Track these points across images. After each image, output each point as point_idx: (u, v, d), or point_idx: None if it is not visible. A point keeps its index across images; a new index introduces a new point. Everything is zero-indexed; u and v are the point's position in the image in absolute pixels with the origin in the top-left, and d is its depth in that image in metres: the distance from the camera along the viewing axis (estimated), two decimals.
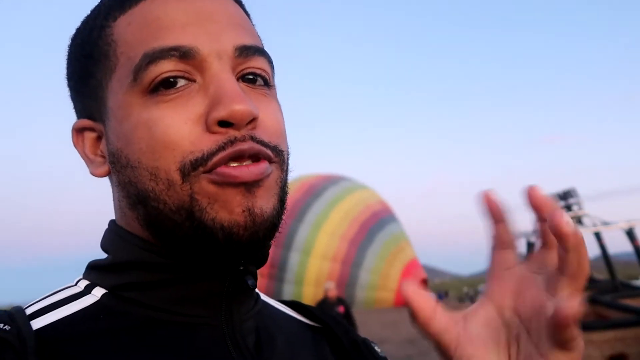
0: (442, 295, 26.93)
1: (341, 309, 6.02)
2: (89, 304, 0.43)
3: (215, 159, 0.39)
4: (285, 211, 0.44)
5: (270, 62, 0.45)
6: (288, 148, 0.45)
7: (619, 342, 5.31)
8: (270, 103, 0.44)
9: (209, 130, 0.40)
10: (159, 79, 0.40)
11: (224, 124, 0.39)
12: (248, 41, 0.43)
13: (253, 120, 0.40)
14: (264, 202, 0.41)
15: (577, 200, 7.04)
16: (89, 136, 0.46)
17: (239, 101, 0.39)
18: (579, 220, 7.01)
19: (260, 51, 0.44)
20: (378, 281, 24.07)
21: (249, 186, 0.40)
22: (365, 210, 25.03)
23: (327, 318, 0.54)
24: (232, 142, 0.39)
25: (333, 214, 24.08)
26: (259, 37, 0.47)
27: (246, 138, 0.40)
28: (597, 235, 7.23)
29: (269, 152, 0.41)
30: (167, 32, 0.41)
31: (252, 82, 0.43)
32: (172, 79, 0.40)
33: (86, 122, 0.46)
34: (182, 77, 0.40)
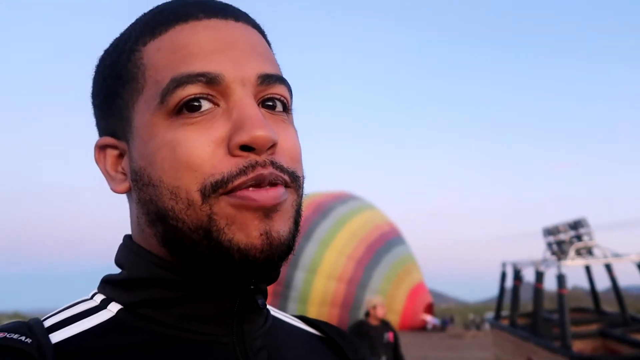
0: (447, 321, 26.50)
1: (390, 336, 4.55)
2: (105, 319, 0.44)
3: (236, 182, 0.40)
4: (299, 233, 0.45)
5: (290, 90, 0.47)
6: (303, 172, 0.47)
7: None
8: (288, 129, 0.46)
9: (230, 153, 0.41)
10: (184, 100, 0.42)
11: (246, 148, 0.41)
12: (270, 70, 0.45)
13: (273, 145, 0.42)
14: (281, 226, 0.42)
15: (587, 230, 6.94)
16: (111, 153, 0.48)
17: (261, 127, 0.41)
18: (589, 251, 6.90)
19: (280, 79, 0.46)
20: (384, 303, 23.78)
21: (267, 210, 0.41)
22: (373, 231, 24.90)
23: (333, 333, 0.55)
24: (253, 166, 0.41)
25: (341, 234, 23.97)
26: (278, 64, 0.49)
27: (267, 163, 0.41)
28: (608, 267, 7.10)
29: (286, 177, 0.43)
30: (195, 59, 0.43)
31: (272, 108, 0.45)
32: (197, 102, 0.42)
33: (109, 140, 0.48)
34: (207, 100, 0.42)
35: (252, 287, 0.45)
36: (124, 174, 0.47)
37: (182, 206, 0.41)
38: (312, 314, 23.25)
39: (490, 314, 19.19)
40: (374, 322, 4.57)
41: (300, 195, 0.45)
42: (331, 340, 0.54)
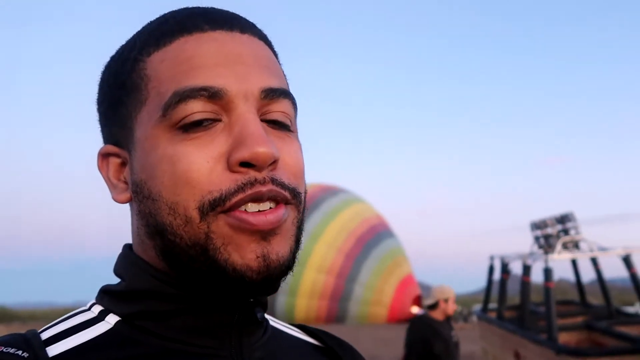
0: None
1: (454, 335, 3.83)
2: (102, 331, 0.44)
3: (234, 199, 0.40)
4: (299, 249, 0.45)
5: (294, 104, 0.47)
6: (305, 187, 0.46)
7: None
8: (292, 143, 0.45)
9: (230, 169, 0.41)
10: (187, 120, 0.42)
11: (246, 164, 0.41)
12: (274, 83, 0.44)
13: (274, 162, 0.42)
14: (281, 247, 0.42)
15: (574, 224, 7.02)
16: (114, 162, 0.48)
17: (262, 143, 0.40)
18: (575, 245, 6.98)
19: (285, 93, 0.45)
20: (372, 296, 23.96)
21: (265, 234, 0.41)
22: (363, 224, 25.02)
23: (332, 342, 0.54)
24: (252, 183, 0.40)
25: (330, 226, 24.07)
26: (285, 76, 0.49)
27: (266, 180, 0.41)
28: (594, 261, 7.20)
29: (287, 194, 0.42)
30: (198, 72, 0.42)
31: (275, 122, 0.45)
32: (199, 117, 0.42)
33: (112, 148, 0.47)
34: (209, 119, 0.42)
35: (251, 299, 0.45)
36: (126, 183, 0.47)
37: (180, 222, 0.41)
38: (301, 306, 23.38)
39: (477, 306, 19.39)
40: (439, 317, 3.76)
41: (301, 211, 0.45)
42: (330, 349, 0.54)
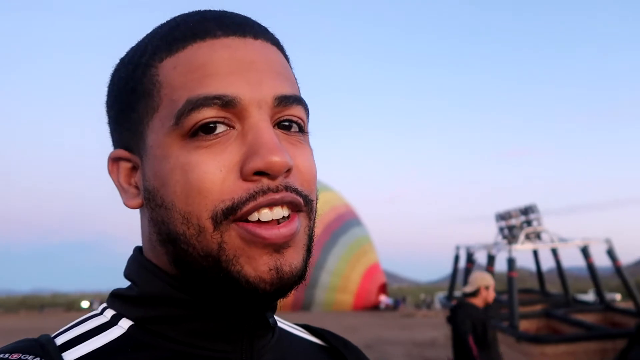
0: (400, 300, 27.22)
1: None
2: (116, 336, 0.44)
3: (246, 208, 0.40)
4: (311, 256, 0.45)
5: (307, 109, 0.46)
6: (317, 194, 0.46)
7: (571, 356, 5.51)
8: (304, 150, 0.45)
9: (243, 178, 0.41)
10: (199, 124, 0.41)
11: (260, 173, 0.40)
12: (287, 91, 0.44)
13: (288, 170, 0.41)
14: (294, 259, 0.42)
15: (537, 216, 7.25)
16: (124, 166, 0.47)
17: (276, 152, 0.40)
18: (537, 236, 7.22)
19: (297, 100, 0.45)
20: (339, 283, 24.19)
21: (278, 247, 0.41)
22: (331, 212, 25.14)
23: (337, 342, 0.55)
24: (264, 191, 0.40)
25: None
26: (296, 80, 0.48)
27: (280, 188, 0.41)
28: (554, 251, 7.47)
29: (300, 200, 0.42)
30: (211, 80, 0.42)
31: (288, 128, 0.44)
32: (212, 124, 0.41)
33: (123, 153, 0.47)
34: (222, 123, 0.42)
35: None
36: (137, 188, 0.46)
37: (193, 232, 0.41)
38: None
39: (441, 294, 19.85)
40: (480, 304, 3.77)
41: (312, 219, 0.45)
42: (334, 349, 0.54)
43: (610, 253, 6.55)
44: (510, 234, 7.17)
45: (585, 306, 7.42)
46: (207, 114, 0.41)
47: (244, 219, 0.40)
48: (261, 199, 0.40)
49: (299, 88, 0.48)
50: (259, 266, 0.40)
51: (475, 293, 3.79)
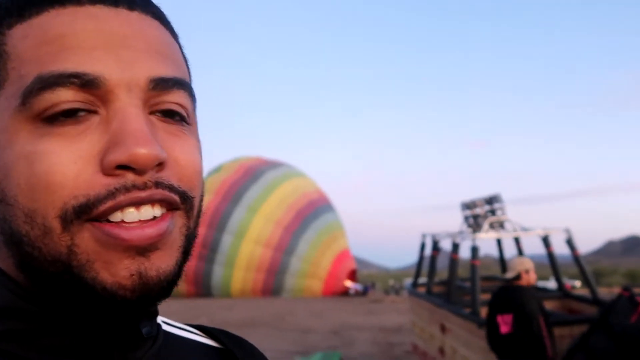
0: (368, 286, 27.60)
1: None
2: None
3: (103, 207, 0.34)
4: (189, 260, 0.40)
5: (192, 96, 0.41)
6: (202, 189, 0.41)
7: None
8: (187, 141, 0.39)
9: (104, 172, 0.34)
10: (52, 110, 0.34)
11: (124, 167, 0.35)
12: (166, 72, 0.38)
13: (160, 164, 0.36)
14: (162, 263, 0.36)
15: (501, 205, 7.42)
16: None
17: (144, 143, 0.34)
18: (501, 225, 7.39)
19: (180, 84, 0.39)
20: (308, 269, 24.34)
21: (142, 250, 0.35)
22: (302, 198, 25.18)
23: (230, 343, 0.50)
24: (127, 189, 0.34)
25: (270, 200, 24.02)
26: (186, 63, 0.42)
27: (148, 185, 0.35)
28: (516, 240, 7.67)
29: (175, 197, 0.37)
30: (70, 55, 0.35)
31: (168, 115, 0.38)
32: (68, 107, 0.35)
33: None
34: (82, 109, 0.35)
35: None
36: None
37: (38, 233, 0.35)
38: (237, 278, 23.35)
39: (408, 280, 20.20)
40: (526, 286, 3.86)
41: (192, 217, 0.39)
42: (228, 351, 0.50)
43: (570, 242, 6.76)
44: (475, 223, 7.33)
45: (545, 293, 7.67)
46: (63, 95, 0.34)
47: (103, 219, 0.34)
48: (122, 197, 0.34)
49: (188, 73, 0.42)
50: (118, 271, 0.34)
51: (517, 278, 3.97)
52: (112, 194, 0.34)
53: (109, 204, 0.34)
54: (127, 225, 0.35)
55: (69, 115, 0.35)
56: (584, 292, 8.52)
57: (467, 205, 7.53)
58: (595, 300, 6.18)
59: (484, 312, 6.25)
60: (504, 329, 3.94)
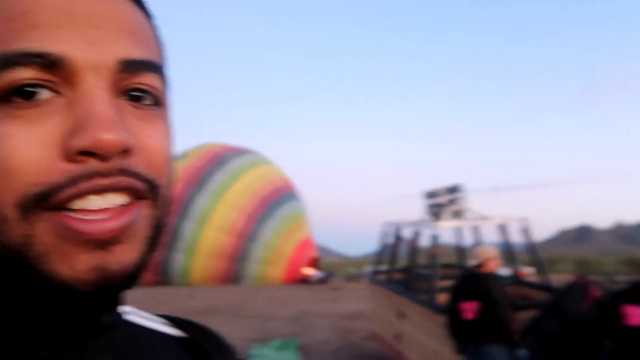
0: (330, 274, 27.91)
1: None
2: None
3: (63, 195, 0.32)
4: (156, 249, 0.38)
5: (164, 78, 0.39)
6: (171, 177, 0.39)
7: None
8: (157, 126, 0.38)
9: (66, 158, 0.33)
10: (12, 85, 0.32)
11: (88, 153, 0.33)
12: (137, 54, 0.36)
13: (127, 150, 0.34)
14: (126, 256, 0.35)
15: (462, 195, 7.64)
16: None
17: (109, 128, 0.33)
18: (461, 214, 7.59)
19: (151, 66, 0.37)
20: (271, 256, 24.36)
21: (102, 243, 0.33)
22: (268, 185, 25.09)
23: (196, 333, 0.50)
24: (89, 176, 0.33)
25: (235, 186, 23.83)
26: (159, 45, 0.41)
27: (113, 172, 0.33)
28: (475, 229, 7.90)
29: (141, 185, 0.35)
30: (33, 33, 0.33)
31: (138, 99, 0.37)
32: (31, 88, 0.33)
33: None
34: (45, 87, 0.33)
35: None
36: None
37: None
38: (198, 265, 23.14)
39: (368, 268, 20.51)
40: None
41: (161, 207, 0.38)
42: (193, 341, 0.49)
43: (525, 231, 7.01)
44: (436, 212, 7.50)
45: (501, 280, 7.94)
46: (23, 74, 0.32)
47: (63, 207, 0.33)
48: (84, 185, 0.33)
49: (161, 55, 0.40)
50: (76, 265, 0.33)
51: (480, 265, 4.15)
52: (73, 180, 0.33)
53: (69, 191, 0.33)
54: (88, 217, 0.33)
55: (29, 96, 0.33)
56: (537, 279, 8.89)
57: (430, 194, 7.71)
58: (546, 287, 6.44)
59: (442, 298, 6.43)
60: (469, 315, 4.06)
